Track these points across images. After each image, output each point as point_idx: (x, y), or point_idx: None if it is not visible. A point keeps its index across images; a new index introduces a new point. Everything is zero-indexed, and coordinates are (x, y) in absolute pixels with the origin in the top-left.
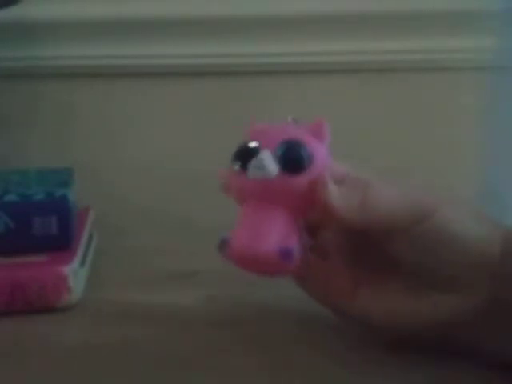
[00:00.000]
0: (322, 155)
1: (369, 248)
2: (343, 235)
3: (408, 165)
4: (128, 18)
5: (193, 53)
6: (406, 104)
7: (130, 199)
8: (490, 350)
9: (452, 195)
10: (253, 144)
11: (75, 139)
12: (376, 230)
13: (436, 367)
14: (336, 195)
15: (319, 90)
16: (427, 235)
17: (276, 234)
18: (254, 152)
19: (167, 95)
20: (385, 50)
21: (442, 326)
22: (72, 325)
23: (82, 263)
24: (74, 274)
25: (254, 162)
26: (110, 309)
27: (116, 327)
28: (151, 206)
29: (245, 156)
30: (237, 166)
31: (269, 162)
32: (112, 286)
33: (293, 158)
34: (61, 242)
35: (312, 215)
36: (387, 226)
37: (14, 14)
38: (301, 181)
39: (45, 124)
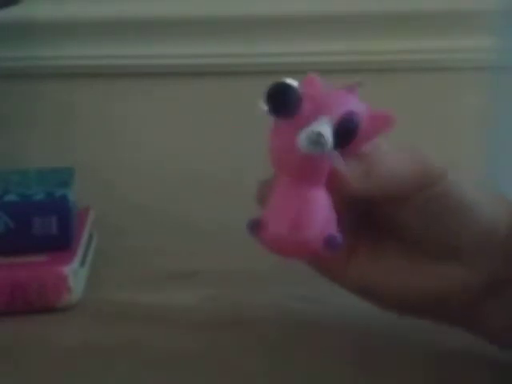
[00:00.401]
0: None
1: (370, 214)
2: (342, 199)
3: None
4: (128, 18)
5: (193, 53)
6: (406, 104)
7: (129, 199)
8: (490, 326)
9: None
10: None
11: (75, 139)
12: (381, 196)
13: (436, 367)
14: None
15: None
16: (434, 201)
17: (320, 219)
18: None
19: (167, 95)
20: (385, 50)
21: (443, 299)
22: (72, 325)
23: (82, 263)
24: (74, 274)
25: (309, 134)
26: (110, 309)
27: (116, 327)
28: (151, 206)
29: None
30: (283, 121)
31: (328, 136)
32: (112, 286)
33: (350, 131)
34: (61, 242)
35: None
36: (393, 191)
37: (14, 13)
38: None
39: (45, 124)
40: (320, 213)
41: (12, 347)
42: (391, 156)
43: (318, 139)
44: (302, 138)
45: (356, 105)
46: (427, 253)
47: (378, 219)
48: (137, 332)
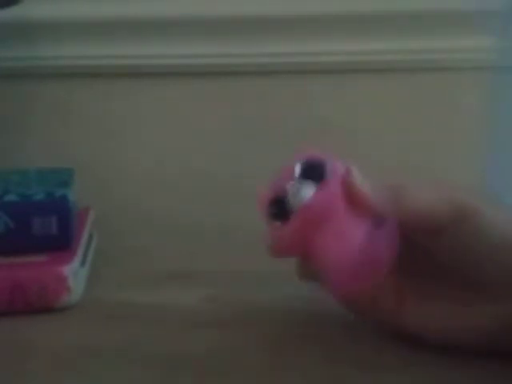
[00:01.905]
0: (338, 165)
1: (413, 256)
2: None
3: (408, 165)
4: (128, 18)
5: (193, 53)
6: (406, 104)
7: (129, 199)
8: None
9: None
10: (277, 196)
11: (75, 139)
12: (414, 227)
13: (436, 367)
14: (369, 189)
15: (319, 90)
16: (467, 236)
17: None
18: (283, 204)
19: (167, 95)
20: (385, 50)
21: (495, 337)
22: (72, 325)
23: (82, 263)
24: (74, 274)
25: (290, 199)
26: (110, 309)
27: (116, 327)
28: (151, 206)
29: (277, 209)
30: (278, 223)
31: (301, 186)
32: (112, 286)
33: (314, 171)
34: (61, 242)
35: None
36: (425, 223)
37: (13, 14)
38: (332, 186)
39: (45, 124)
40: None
41: (12, 347)
42: (421, 188)
43: (297, 191)
44: (291, 195)
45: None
46: (475, 292)
47: (419, 259)
48: (137, 332)
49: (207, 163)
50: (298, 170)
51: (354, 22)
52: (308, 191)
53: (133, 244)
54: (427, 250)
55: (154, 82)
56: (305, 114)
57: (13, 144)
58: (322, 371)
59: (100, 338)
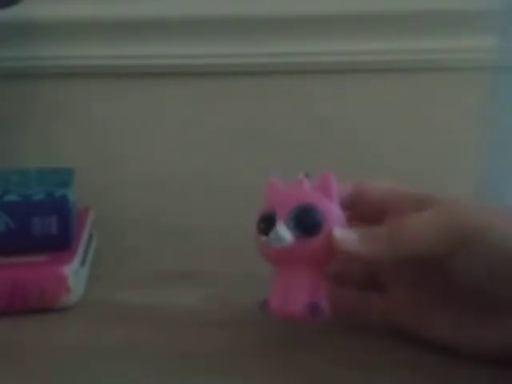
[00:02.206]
0: (332, 212)
1: (426, 269)
2: (398, 266)
3: (408, 165)
4: (128, 18)
5: (193, 53)
6: (406, 104)
7: (129, 199)
8: None
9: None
10: (269, 213)
11: (75, 139)
12: (418, 261)
13: (436, 367)
14: (354, 243)
15: (319, 90)
16: (476, 256)
17: (303, 292)
18: (271, 222)
19: (167, 95)
20: (385, 50)
21: (508, 347)
22: (72, 325)
23: (82, 263)
24: (74, 274)
25: (272, 235)
26: (110, 309)
27: (116, 327)
28: (151, 206)
29: (265, 225)
30: (264, 238)
31: (283, 233)
32: (112, 285)
33: (305, 225)
34: (61, 242)
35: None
36: (428, 257)
37: (13, 14)
38: (316, 241)
39: (44, 124)
40: (302, 288)
41: (12, 347)
42: (415, 221)
43: (276, 236)
44: (270, 238)
45: (304, 196)
46: (489, 304)
47: (433, 273)
48: (137, 332)
49: (207, 163)
50: (290, 214)
51: (354, 22)
52: (289, 238)
53: (133, 244)
54: (440, 264)
55: (154, 82)
56: (305, 114)
57: (13, 144)
58: (322, 371)
59: (100, 338)
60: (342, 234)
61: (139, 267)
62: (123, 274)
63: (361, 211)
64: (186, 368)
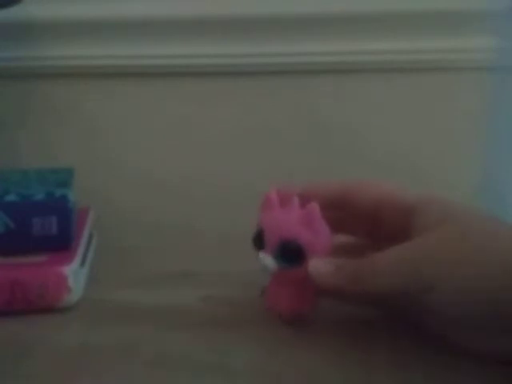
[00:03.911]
0: (315, 243)
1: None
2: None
3: (408, 165)
4: (128, 18)
5: (193, 53)
6: (406, 104)
7: (129, 199)
8: None
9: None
10: (260, 233)
11: (75, 139)
12: (382, 296)
13: (436, 367)
14: (328, 276)
15: (319, 90)
16: (453, 290)
17: (291, 300)
18: (261, 241)
19: (167, 95)
20: (385, 50)
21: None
22: (72, 325)
23: (82, 263)
24: (74, 274)
25: (259, 261)
26: (110, 309)
27: (116, 327)
28: (151, 207)
29: (258, 242)
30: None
31: (268, 263)
32: (112, 285)
33: (288, 257)
34: (61, 242)
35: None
36: (392, 294)
37: (13, 13)
38: (299, 271)
39: (44, 124)
40: (289, 297)
41: (12, 347)
42: (383, 261)
43: (262, 265)
44: (260, 266)
45: (288, 230)
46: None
47: None
48: (137, 332)
49: (207, 163)
50: (276, 245)
51: (354, 22)
52: (273, 267)
53: (133, 244)
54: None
55: (154, 82)
56: (305, 114)
57: (12, 144)
58: (322, 371)
59: (100, 338)
60: (318, 267)
61: (139, 267)
62: (123, 273)
63: (351, 214)
64: (185, 368)
